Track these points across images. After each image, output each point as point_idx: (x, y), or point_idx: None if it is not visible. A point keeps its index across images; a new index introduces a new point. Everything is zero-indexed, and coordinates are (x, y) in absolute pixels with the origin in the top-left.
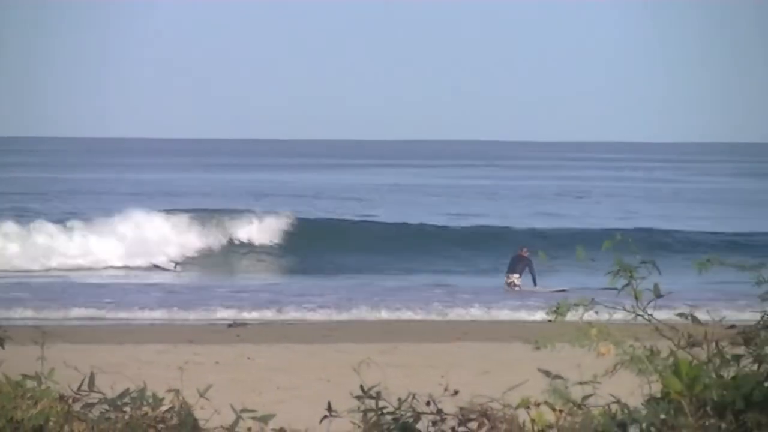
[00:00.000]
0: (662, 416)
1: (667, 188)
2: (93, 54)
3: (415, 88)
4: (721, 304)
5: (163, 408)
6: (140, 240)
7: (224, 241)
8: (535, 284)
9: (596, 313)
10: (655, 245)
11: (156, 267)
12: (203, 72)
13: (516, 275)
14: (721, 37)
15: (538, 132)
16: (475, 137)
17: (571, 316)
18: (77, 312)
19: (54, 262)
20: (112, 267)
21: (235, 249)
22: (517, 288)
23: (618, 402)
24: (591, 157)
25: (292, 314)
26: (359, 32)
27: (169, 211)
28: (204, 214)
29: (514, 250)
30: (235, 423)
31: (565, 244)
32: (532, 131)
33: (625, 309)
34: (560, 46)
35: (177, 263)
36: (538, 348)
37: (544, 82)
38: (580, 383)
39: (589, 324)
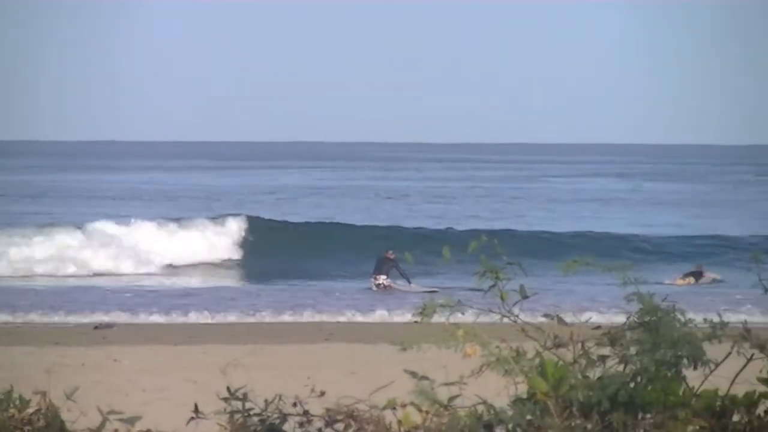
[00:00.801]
0: (528, 417)
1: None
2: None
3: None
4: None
5: (30, 410)
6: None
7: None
8: (409, 282)
9: (462, 314)
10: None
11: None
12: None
13: (383, 276)
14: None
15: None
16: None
17: (439, 317)
18: None
19: None
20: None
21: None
22: (387, 287)
23: (484, 403)
24: (462, 158)
25: (158, 316)
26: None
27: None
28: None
29: (380, 252)
30: (102, 425)
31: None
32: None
33: (491, 310)
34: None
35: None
36: (404, 349)
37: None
38: (447, 384)
39: (456, 325)
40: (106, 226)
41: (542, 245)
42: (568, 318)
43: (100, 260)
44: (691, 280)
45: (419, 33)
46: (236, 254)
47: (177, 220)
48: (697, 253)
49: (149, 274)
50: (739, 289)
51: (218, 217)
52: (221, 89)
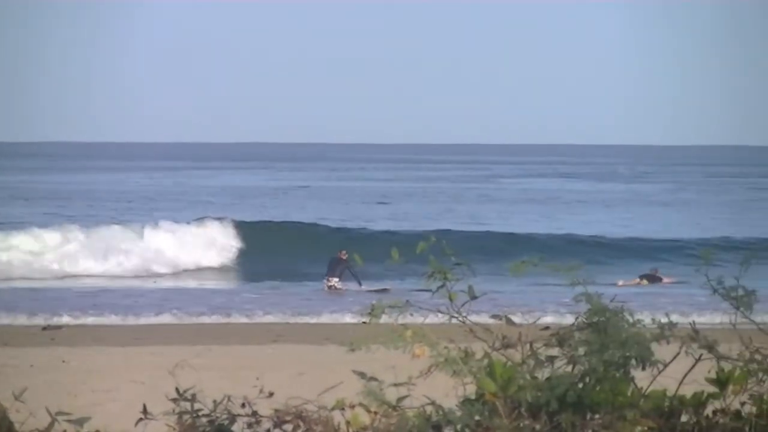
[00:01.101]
0: (477, 417)
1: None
2: None
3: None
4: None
5: None
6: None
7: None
8: (360, 284)
9: (411, 315)
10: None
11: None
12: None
13: (336, 278)
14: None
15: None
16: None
17: (388, 317)
18: None
19: None
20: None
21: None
22: (338, 288)
23: (433, 403)
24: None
25: (107, 317)
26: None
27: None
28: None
29: (333, 253)
30: (51, 426)
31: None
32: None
33: (439, 311)
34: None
35: None
36: (353, 350)
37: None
38: (395, 385)
39: (404, 326)
40: (71, 229)
41: (497, 246)
42: (517, 318)
43: (60, 262)
44: (645, 281)
45: (418, 33)
46: (206, 257)
47: (148, 223)
48: (657, 254)
49: (113, 276)
50: (696, 291)
51: (196, 220)
52: (221, 89)
